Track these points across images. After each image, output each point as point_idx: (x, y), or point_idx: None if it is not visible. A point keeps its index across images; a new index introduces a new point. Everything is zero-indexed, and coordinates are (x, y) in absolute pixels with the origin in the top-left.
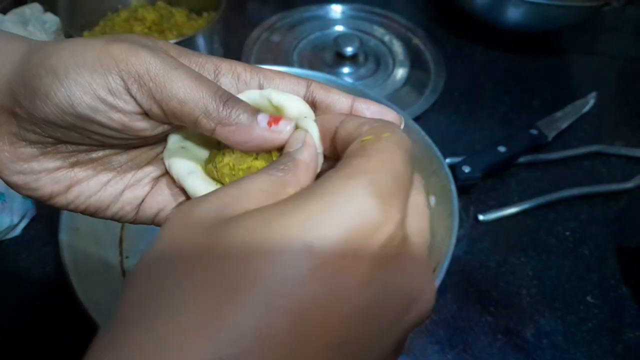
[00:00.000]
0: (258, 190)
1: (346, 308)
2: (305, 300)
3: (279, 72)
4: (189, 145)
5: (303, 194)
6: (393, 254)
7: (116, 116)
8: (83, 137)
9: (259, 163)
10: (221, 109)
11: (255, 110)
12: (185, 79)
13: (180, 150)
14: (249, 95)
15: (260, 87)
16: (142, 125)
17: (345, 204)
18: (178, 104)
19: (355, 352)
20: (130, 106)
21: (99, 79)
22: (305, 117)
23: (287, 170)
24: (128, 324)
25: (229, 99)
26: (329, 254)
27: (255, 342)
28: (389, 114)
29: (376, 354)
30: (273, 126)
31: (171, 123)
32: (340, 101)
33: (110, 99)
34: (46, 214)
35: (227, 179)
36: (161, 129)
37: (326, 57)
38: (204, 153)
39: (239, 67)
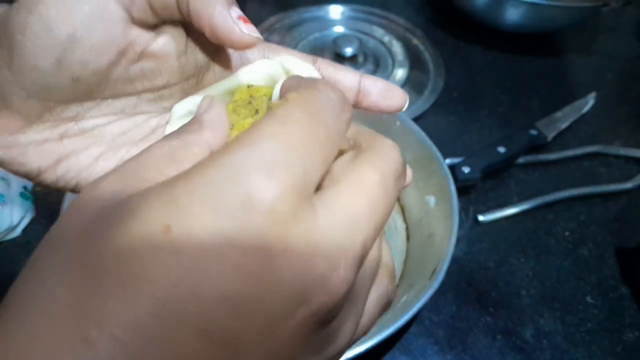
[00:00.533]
0: (159, 156)
1: (210, 293)
2: (165, 284)
3: (285, 48)
4: None
5: (193, 168)
6: (278, 234)
7: (100, 26)
8: (73, 82)
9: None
10: None
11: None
12: None
13: (183, 120)
14: (262, 64)
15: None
16: (133, 34)
17: (222, 183)
18: None
19: (234, 339)
20: (113, 7)
21: None
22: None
23: (191, 131)
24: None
25: None
26: (189, 239)
27: (120, 325)
28: (395, 91)
29: (269, 345)
30: (241, 22)
31: (163, 21)
32: (347, 77)
33: (86, 7)
34: (46, 215)
35: None
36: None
37: (325, 58)
38: None
39: None
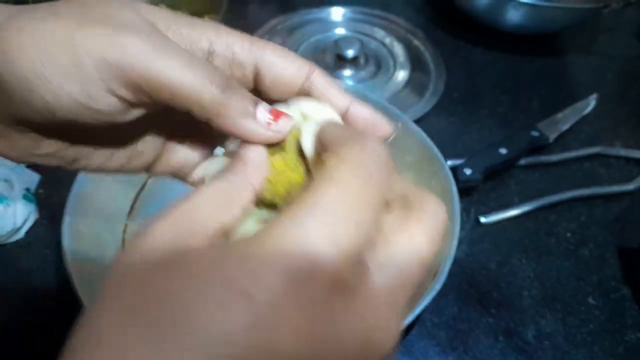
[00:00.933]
0: (209, 201)
1: (280, 353)
2: (240, 349)
3: (280, 50)
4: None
5: (263, 234)
6: (339, 298)
7: (102, 117)
8: (71, 132)
9: (298, 176)
10: (217, 98)
11: (254, 100)
12: (176, 67)
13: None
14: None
15: (257, 69)
16: (133, 114)
17: (287, 245)
18: (169, 95)
19: None
20: (116, 106)
21: (75, 86)
22: (314, 120)
23: (236, 172)
24: None
25: (228, 87)
26: (264, 301)
27: None
28: (382, 123)
29: None
30: (272, 125)
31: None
32: (338, 99)
33: (92, 104)
34: (49, 217)
35: (266, 194)
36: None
37: (327, 60)
38: None
39: (235, 46)
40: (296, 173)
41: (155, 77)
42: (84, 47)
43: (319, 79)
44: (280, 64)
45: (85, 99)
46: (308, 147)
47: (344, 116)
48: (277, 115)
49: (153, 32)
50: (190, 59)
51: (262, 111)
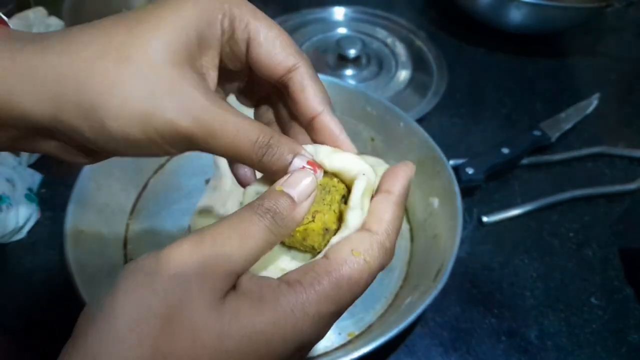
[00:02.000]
0: (234, 235)
1: None
2: None
3: (275, 33)
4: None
5: (312, 287)
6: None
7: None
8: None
9: (315, 225)
10: (256, 160)
11: (293, 152)
12: (231, 135)
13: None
14: (351, 160)
15: (247, 46)
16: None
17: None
18: (222, 152)
19: None
20: (174, 150)
21: (141, 138)
22: (363, 174)
23: (284, 207)
24: None
25: (270, 142)
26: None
27: None
28: (344, 146)
29: None
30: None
31: None
32: (309, 103)
33: (155, 150)
34: (50, 217)
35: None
36: None
37: (329, 60)
38: None
39: (236, 21)
40: (318, 223)
41: (211, 142)
42: (155, 124)
43: (299, 76)
44: (265, 47)
45: (146, 151)
46: (357, 198)
47: (310, 123)
48: (312, 165)
49: (207, 92)
50: (239, 122)
51: (297, 164)
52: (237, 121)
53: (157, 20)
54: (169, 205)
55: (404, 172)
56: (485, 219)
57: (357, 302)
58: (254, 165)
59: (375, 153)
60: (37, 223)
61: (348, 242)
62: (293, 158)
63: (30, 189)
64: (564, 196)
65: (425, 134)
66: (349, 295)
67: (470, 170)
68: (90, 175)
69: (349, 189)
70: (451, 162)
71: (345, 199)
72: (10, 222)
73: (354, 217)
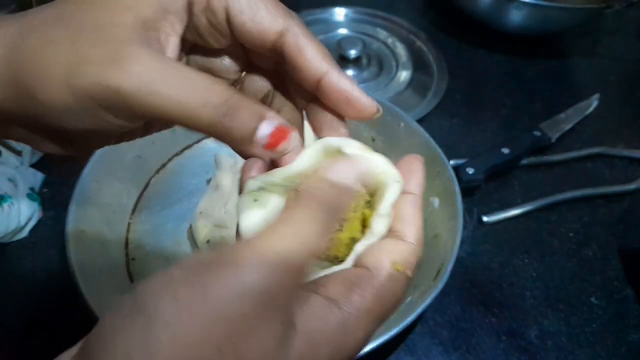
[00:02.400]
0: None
1: None
2: None
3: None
4: (265, 197)
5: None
6: None
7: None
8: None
9: (343, 235)
10: (213, 122)
11: (259, 117)
12: (173, 93)
13: (253, 203)
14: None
15: (227, 16)
16: (136, 125)
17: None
18: (168, 116)
19: None
20: (115, 124)
21: (78, 114)
22: (397, 181)
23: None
24: None
25: (227, 107)
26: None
27: None
28: (359, 103)
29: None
30: (277, 147)
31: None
32: (311, 64)
33: (91, 125)
34: (52, 217)
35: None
36: None
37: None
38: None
39: None
40: (346, 233)
41: (152, 108)
42: (80, 81)
43: (292, 38)
44: (248, 13)
45: (84, 124)
46: (388, 206)
47: (317, 86)
48: (280, 134)
49: (152, 54)
50: (189, 79)
51: (265, 130)
52: (185, 74)
53: None
54: (171, 205)
55: (419, 169)
56: (485, 218)
57: None
58: (210, 132)
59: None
60: (38, 222)
61: (386, 252)
62: (259, 122)
63: (32, 189)
64: (564, 196)
65: (426, 134)
66: (392, 309)
67: (470, 171)
68: (92, 175)
69: (370, 192)
70: (451, 162)
71: (369, 203)
72: (12, 222)
73: (382, 224)
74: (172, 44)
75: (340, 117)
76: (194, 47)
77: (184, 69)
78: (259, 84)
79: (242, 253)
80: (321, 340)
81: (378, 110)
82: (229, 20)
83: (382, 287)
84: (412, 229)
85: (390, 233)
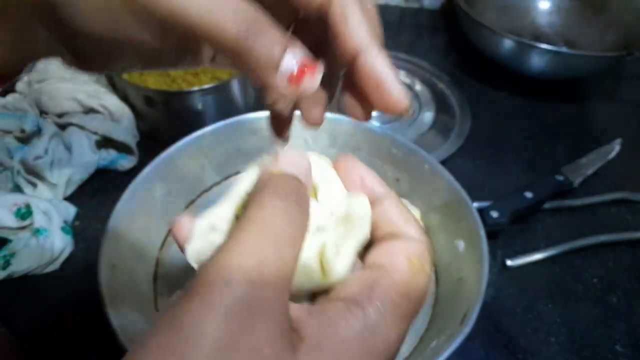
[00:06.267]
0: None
1: None
2: None
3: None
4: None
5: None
6: None
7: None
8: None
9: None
10: (235, 41)
11: (283, 46)
12: (196, 4)
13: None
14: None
15: None
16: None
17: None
18: (191, 33)
19: None
20: (137, 34)
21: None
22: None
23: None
24: None
25: (253, 27)
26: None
27: None
28: (392, 95)
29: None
30: (302, 81)
31: None
32: (351, 37)
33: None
34: (84, 249)
35: None
36: None
37: None
38: None
39: None
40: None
41: (176, 13)
42: None
43: (340, 3)
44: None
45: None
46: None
47: (352, 65)
48: (306, 67)
49: None
50: None
51: (289, 61)
52: None
53: None
54: None
55: (359, 169)
56: (509, 262)
57: None
58: (233, 50)
59: (400, 194)
60: (70, 255)
61: (397, 250)
62: (284, 52)
63: (65, 222)
64: (588, 241)
65: (451, 177)
66: (419, 305)
67: (495, 214)
68: (124, 210)
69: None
70: (475, 204)
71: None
72: (46, 254)
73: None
74: None
75: (368, 104)
76: None
77: None
78: None
79: (207, 276)
80: (341, 346)
81: (407, 110)
82: None
83: (404, 281)
84: (411, 227)
85: (393, 237)
